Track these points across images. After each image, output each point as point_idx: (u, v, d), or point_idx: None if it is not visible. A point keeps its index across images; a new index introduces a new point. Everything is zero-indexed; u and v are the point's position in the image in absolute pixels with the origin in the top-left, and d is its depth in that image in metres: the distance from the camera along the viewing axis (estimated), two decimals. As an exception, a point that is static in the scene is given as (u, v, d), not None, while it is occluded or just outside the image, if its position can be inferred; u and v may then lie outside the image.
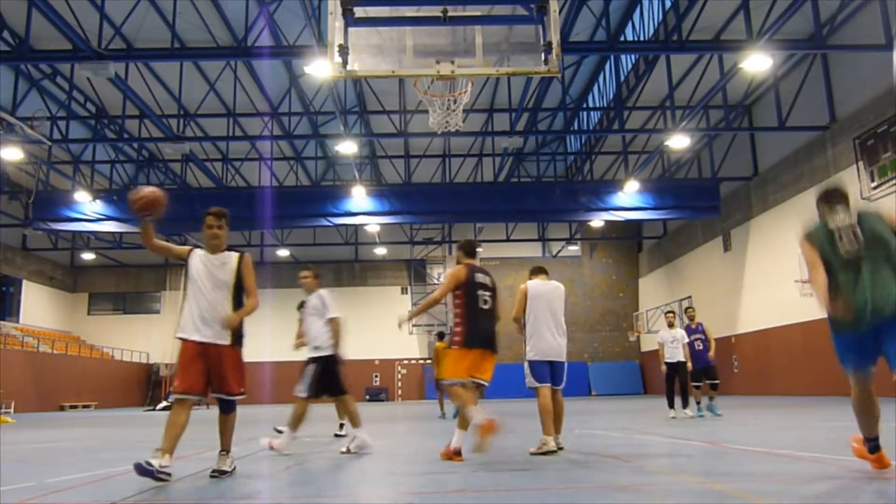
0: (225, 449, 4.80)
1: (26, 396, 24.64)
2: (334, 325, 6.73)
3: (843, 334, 3.84)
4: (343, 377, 6.84)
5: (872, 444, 3.99)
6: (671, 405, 11.09)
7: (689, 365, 11.22)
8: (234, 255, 4.84)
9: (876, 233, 3.75)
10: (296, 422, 6.60)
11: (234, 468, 4.82)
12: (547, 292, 6.09)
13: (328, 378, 6.66)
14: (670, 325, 11.54)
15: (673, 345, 11.24)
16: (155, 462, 4.20)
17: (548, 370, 5.94)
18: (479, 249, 6.13)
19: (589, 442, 6.84)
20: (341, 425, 8.55)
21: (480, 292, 5.51)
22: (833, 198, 4.04)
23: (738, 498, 3.54)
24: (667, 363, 11.19)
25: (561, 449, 5.91)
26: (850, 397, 3.95)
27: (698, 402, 11.83)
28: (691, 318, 12.10)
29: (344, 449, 6.40)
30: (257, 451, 6.98)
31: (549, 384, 5.93)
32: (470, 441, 5.20)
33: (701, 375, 11.68)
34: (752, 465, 4.75)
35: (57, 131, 20.94)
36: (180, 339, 4.63)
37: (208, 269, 4.72)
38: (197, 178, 26.34)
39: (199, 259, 4.79)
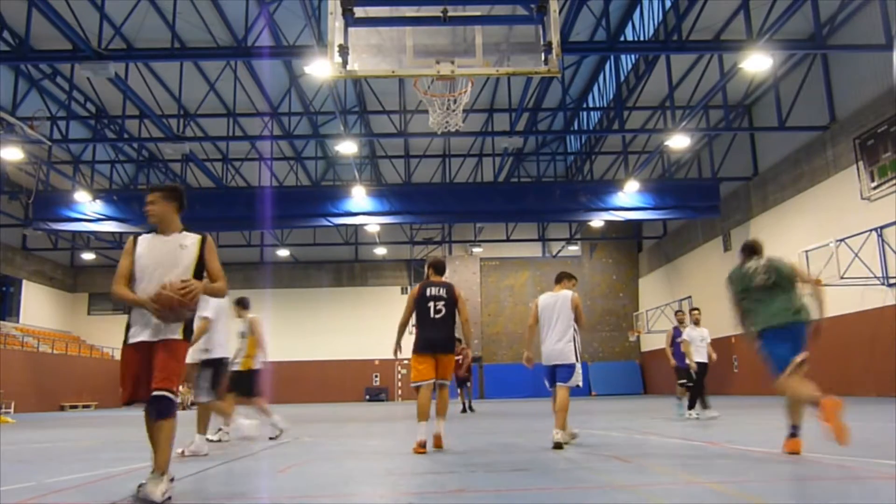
0: (158, 468, 3.67)
1: (26, 396, 24.64)
2: (201, 325, 6.70)
3: (768, 335, 5.20)
4: (216, 379, 6.99)
5: (795, 431, 5.05)
6: (703, 405, 10.73)
7: (714, 356, 10.96)
8: (196, 238, 4.14)
9: (783, 271, 5.37)
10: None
11: (170, 498, 3.67)
12: (552, 304, 6.61)
13: (214, 379, 6.88)
14: (696, 323, 11.13)
15: (701, 344, 10.90)
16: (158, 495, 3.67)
17: (549, 373, 6.50)
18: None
19: (589, 442, 6.84)
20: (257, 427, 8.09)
21: (431, 304, 6.31)
22: (750, 249, 5.70)
23: (738, 498, 3.54)
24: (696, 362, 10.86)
25: (560, 447, 5.97)
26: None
27: (680, 398, 11.99)
28: (680, 322, 12.10)
29: (180, 450, 6.25)
30: (258, 450, 6.98)
31: (555, 386, 6.46)
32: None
33: (684, 375, 11.64)
34: (752, 465, 4.75)
35: (57, 131, 20.94)
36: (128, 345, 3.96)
37: (160, 251, 4.04)
38: (197, 178, 26.34)
39: (146, 243, 4.09)
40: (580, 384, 6.47)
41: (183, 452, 6.28)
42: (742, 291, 5.43)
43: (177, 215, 4.19)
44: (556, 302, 6.58)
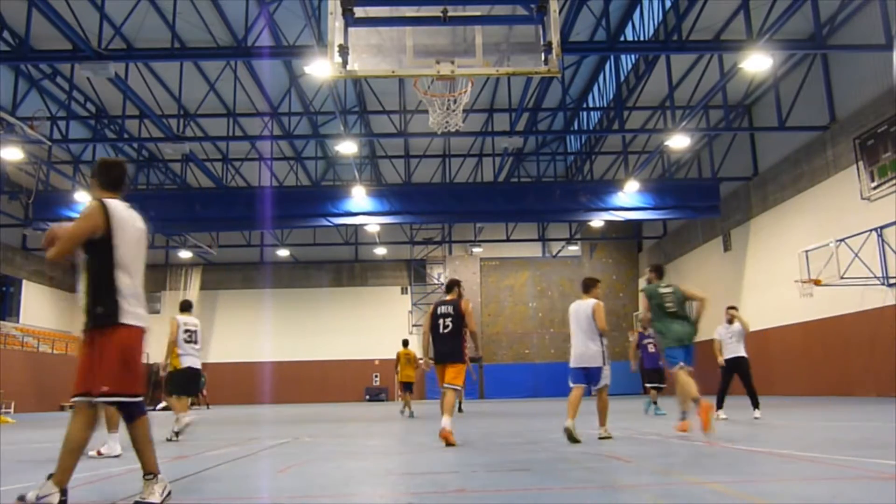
0: (149, 471, 3.58)
1: (26, 396, 24.64)
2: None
3: (673, 348, 7.38)
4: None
5: (684, 415, 7.27)
6: (720, 406, 10.56)
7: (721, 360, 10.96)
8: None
9: (681, 298, 7.48)
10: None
11: (169, 493, 3.64)
12: (576, 311, 7.37)
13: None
14: (730, 321, 10.86)
15: (731, 340, 10.73)
16: (31, 494, 3.37)
17: (582, 374, 7.17)
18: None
19: (589, 442, 6.84)
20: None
21: (440, 320, 7.28)
22: (661, 271, 7.85)
23: (738, 498, 3.54)
24: (725, 359, 10.81)
25: (605, 438, 6.99)
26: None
27: (655, 402, 12.56)
28: (644, 328, 12.52)
29: (94, 452, 6.28)
30: (258, 450, 6.99)
31: (583, 385, 7.17)
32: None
33: (653, 376, 12.56)
34: (752, 465, 4.75)
35: (57, 131, 20.93)
36: None
37: None
38: (197, 178, 26.33)
39: None
40: (608, 383, 7.20)
41: (99, 452, 6.29)
42: (657, 307, 7.42)
43: (99, 189, 3.87)
44: (580, 309, 7.31)
